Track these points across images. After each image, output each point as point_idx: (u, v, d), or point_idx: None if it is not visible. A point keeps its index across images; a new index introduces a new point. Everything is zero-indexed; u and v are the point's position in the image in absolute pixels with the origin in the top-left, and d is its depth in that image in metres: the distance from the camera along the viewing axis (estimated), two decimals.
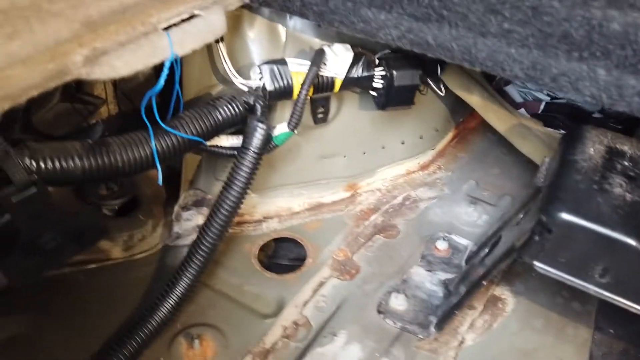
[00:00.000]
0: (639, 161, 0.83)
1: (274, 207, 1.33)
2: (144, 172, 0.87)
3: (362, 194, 1.40)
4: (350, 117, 1.27)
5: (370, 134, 1.34)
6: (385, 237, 1.28)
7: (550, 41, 0.68)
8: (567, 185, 0.77)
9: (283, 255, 1.36)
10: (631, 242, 0.71)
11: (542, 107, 1.59)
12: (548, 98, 1.62)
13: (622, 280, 0.73)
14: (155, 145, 0.87)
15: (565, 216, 0.73)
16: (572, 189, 0.77)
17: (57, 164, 0.76)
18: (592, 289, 0.74)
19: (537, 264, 0.77)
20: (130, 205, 1.30)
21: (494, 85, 1.60)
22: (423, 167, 1.48)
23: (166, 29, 0.82)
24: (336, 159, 1.33)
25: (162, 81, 0.79)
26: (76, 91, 1.28)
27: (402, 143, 1.41)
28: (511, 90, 1.64)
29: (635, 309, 0.72)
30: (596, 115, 1.61)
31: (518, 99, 1.62)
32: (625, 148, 0.86)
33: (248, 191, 1.01)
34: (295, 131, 1.03)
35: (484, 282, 0.96)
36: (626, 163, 0.82)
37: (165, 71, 0.78)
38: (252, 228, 1.29)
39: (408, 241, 1.27)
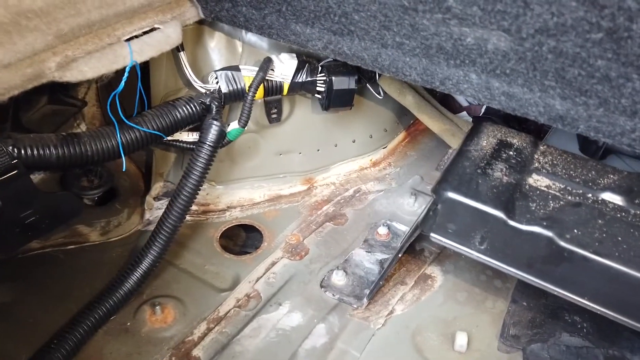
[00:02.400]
0: (523, 151, 0.99)
1: (237, 198, 1.49)
2: (111, 160, 1.03)
3: (318, 187, 1.56)
4: (303, 117, 1.43)
5: (322, 133, 1.50)
6: (334, 224, 1.44)
7: (431, 51, 0.85)
8: (456, 170, 0.93)
9: (250, 245, 1.52)
10: (499, 214, 0.87)
11: (482, 110, 1.75)
12: None
13: (495, 246, 0.88)
14: (121, 138, 1.03)
15: (450, 194, 0.89)
16: (459, 173, 0.93)
17: (36, 151, 0.92)
18: (474, 254, 0.90)
19: (432, 235, 0.93)
20: (109, 196, 1.46)
21: None
22: (375, 164, 1.64)
23: (128, 40, 0.99)
24: (292, 155, 1.50)
25: (122, 83, 0.95)
26: (62, 95, 1.44)
27: (353, 142, 1.57)
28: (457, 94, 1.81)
29: (506, 269, 0.88)
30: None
31: (464, 102, 1.79)
32: (515, 141, 1.02)
33: (204, 180, 1.17)
34: (245, 128, 1.19)
35: (400, 254, 1.11)
36: (511, 153, 0.98)
37: (125, 74, 0.95)
38: (217, 216, 1.45)
39: (354, 228, 1.43)
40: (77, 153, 0.96)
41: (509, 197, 0.89)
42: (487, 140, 1.01)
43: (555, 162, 0.99)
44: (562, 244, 0.81)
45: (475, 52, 0.79)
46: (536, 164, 0.98)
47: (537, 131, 1.58)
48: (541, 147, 1.02)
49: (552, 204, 0.89)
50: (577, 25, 0.66)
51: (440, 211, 0.90)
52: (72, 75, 0.90)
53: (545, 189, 0.92)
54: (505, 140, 1.01)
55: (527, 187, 0.92)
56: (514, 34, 0.72)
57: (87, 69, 0.91)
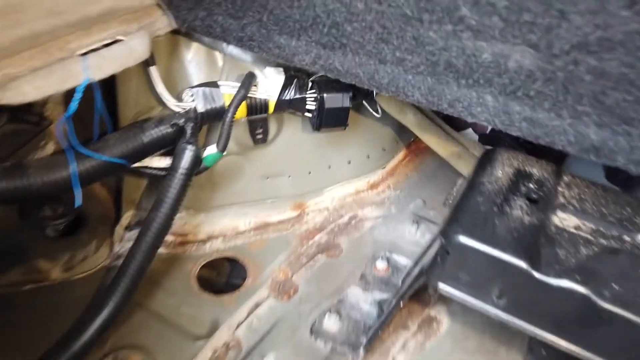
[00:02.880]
0: (545, 183, 0.85)
1: (219, 227, 1.34)
2: (64, 194, 0.89)
3: (310, 213, 1.41)
4: (292, 137, 1.29)
5: (314, 154, 1.36)
6: (327, 256, 1.29)
7: (438, 69, 0.71)
8: (468, 208, 0.79)
9: (237, 275, 1.37)
10: (522, 264, 0.72)
11: (489, 128, 1.61)
12: None
13: (517, 301, 0.74)
14: (77, 167, 0.88)
15: (461, 239, 0.75)
16: (472, 211, 0.78)
17: None
18: (490, 311, 0.75)
19: (440, 285, 0.78)
20: (75, 225, 1.31)
21: None
22: (373, 186, 1.50)
23: (85, 54, 0.84)
24: (280, 178, 1.35)
25: (74, 104, 0.81)
26: (24, 112, 1.30)
27: (349, 162, 1.43)
28: None
29: (530, 331, 0.73)
30: None
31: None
32: (534, 170, 0.87)
33: (177, 211, 1.02)
34: (224, 152, 1.04)
35: (402, 304, 0.96)
36: (531, 185, 0.84)
37: (78, 95, 0.80)
38: (195, 248, 1.29)
39: (349, 260, 1.28)
40: (20, 187, 0.82)
41: (533, 242, 0.74)
42: (503, 170, 0.87)
43: (583, 196, 0.84)
44: (601, 303, 0.66)
45: (492, 70, 0.65)
46: (561, 199, 0.83)
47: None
48: (565, 178, 0.88)
49: (584, 251, 0.74)
50: (628, 41, 0.52)
51: (451, 258, 0.76)
52: (11, 97, 0.76)
53: (574, 230, 0.78)
54: (524, 170, 0.87)
55: (552, 228, 0.78)
56: (544, 50, 0.58)
57: (30, 89, 0.77)
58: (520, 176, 0.85)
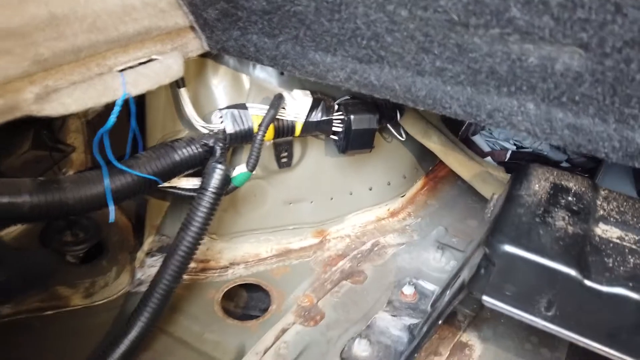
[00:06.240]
0: (583, 197, 0.84)
1: (241, 253, 1.32)
2: (97, 210, 0.88)
3: (331, 240, 1.39)
4: (315, 162, 1.29)
5: (336, 180, 1.35)
6: (352, 282, 1.26)
7: (480, 77, 0.71)
8: (510, 219, 0.78)
9: (254, 306, 1.34)
10: (572, 272, 0.70)
11: (508, 155, 1.62)
12: (514, 147, 1.65)
13: (567, 311, 0.71)
14: (110, 183, 0.87)
15: (507, 248, 0.73)
16: (514, 222, 0.77)
17: (5, 199, 0.76)
18: (539, 322, 0.73)
19: (485, 298, 0.76)
20: (95, 252, 1.29)
21: (460, 134, 1.64)
22: (393, 214, 1.49)
23: (122, 70, 0.85)
24: (303, 204, 1.34)
25: (112, 118, 0.81)
26: (47, 139, 1.30)
27: (370, 189, 1.42)
28: (478, 139, 1.68)
29: (582, 342, 0.71)
30: (564, 164, 1.64)
31: (485, 148, 1.66)
32: (571, 185, 0.87)
33: (206, 232, 1.01)
34: (253, 172, 1.04)
35: (440, 321, 0.93)
36: (570, 198, 0.83)
37: (117, 108, 0.81)
38: (217, 274, 1.27)
39: (375, 287, 1.25)
40: (56, 201, 0.81)
41: (580, 251, 0.73)
42: (539, 184, 0.86)
43: (622, 209, 0.83)
44: None
45: (537, 75, 0.66)
46: (601, 212, 0.82)
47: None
48: (602, 192, 0.87)
49: (631, 260, 0.73)
50: None
51: (496, 269, 0.74)
52: (52, 108, 0.76)
53: (618, 241, 0.77)
54: (561, 184, 0.86)
55: (596, 239, 0.76)
56: (594, 49, 0.58)
57: (71, 101, 0.77)
58: (558, 189, 0.85)
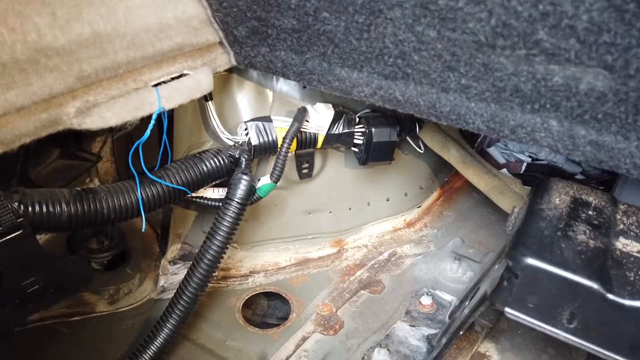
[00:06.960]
0: (603, 211, 0.86)
1: (261, 262, 1.34)
2: (129, 219, 0.91)
3: (349, 250, 1.42)
4: (335, 173, 1.31)
5: (355, 190, 1.38)
6: (370, 292, 1.29)
7: (504, 95, 0.74)
8: (532, 232, 0.80)
9: (271, 314, 1.36)
10: (594, 286, 0.72)
11: (523, 167, 1.64)
12: (529, 159, 1.67)
13: (589, 324, 0.73)
14: (141, 193, 0.91)
15: (530, 260, 0.75)
16: (536, 235, 0.79)
17: (45, 209, 0.79)
18: (561, 334, 0.75)
19: (507, 310, 0.78)
20: (119, 259, 1.32)
21: (476, 146, 1.66)
22: (409, 225, 1.51)
23: (156, 85, 0.89)
24: (322, 214, 1.37)
25: (148, 131, 0.84)
26: (75, 148, 1.34)
27: (387, 200, 1.45)
28: (494, 151, 1.70)
29: (604, 354, 0.72)
30: (578, 177, 1.66)
31: (501, 160, 1.68)
32: (590, 199, 0.89)
33: (231, 241, 1.04)
34: (277, 183, 1.07)
35: (461, 332, 0.95)
36: (591, 212, 0.85)
37: (152, 122, 0.84)
38: (238, 282, 1.30)
39: (393, 297, 1.27)
40: (92, 211, 0.84)
41: (601, 264, 0.75)
42: (560, 197, 0.88)
43: None
44: None
45: (561, 94, 0.68)
46: (621, 226, 0.84)
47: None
48: (621, 206, 0.89)
49: None
50: None
51: (519, 281, 0.76)
52: (92, 122, 0.79)
53: (638, 255, 0.78)
54: (581, 198, 0.88)
55: (617, 253, 0.78)
56: (618, 71, 0.61)
57: (110, 115, 0.80)
58: (578, 203, 0.87)
